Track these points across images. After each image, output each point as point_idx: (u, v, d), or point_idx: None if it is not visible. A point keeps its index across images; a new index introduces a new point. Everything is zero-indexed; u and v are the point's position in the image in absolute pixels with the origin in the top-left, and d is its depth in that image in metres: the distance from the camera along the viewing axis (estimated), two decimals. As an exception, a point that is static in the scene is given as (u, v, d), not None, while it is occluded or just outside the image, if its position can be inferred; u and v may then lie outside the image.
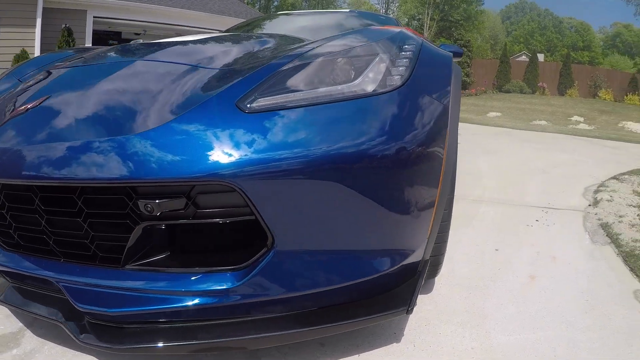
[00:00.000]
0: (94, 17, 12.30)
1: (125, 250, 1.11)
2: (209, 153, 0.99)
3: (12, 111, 1.31)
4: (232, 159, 0.98)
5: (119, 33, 15.29)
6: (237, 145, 1.00)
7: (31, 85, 1.51)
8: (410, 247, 1.19)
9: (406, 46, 1.34)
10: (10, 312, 1.47)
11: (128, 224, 1.09)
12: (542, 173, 4.37)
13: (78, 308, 1.10)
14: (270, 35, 2.17)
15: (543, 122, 12.47)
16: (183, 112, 1.10)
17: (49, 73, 1.59)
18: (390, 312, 1.12)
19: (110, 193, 1.10)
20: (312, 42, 1.46)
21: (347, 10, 3.59)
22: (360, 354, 1.27)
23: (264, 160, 0.99)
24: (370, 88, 1.15)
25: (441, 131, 1.24)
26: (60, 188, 1.12)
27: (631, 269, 2.06)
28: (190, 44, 1.87)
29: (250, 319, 1.09)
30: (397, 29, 1.51)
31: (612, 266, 2.11)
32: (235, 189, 0.99)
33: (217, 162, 0.98)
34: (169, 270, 1.10)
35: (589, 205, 3.27)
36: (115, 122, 1.14)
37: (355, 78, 1.16)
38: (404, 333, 1.40)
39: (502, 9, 55.61)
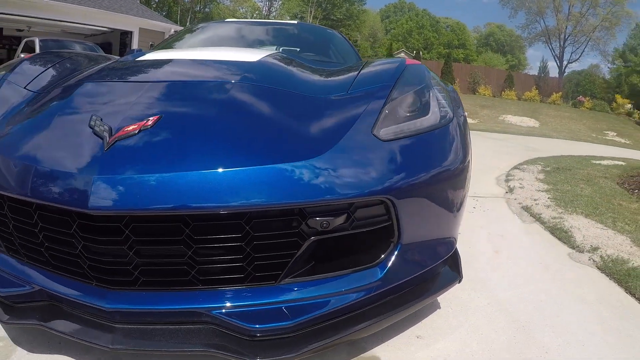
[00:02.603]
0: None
1: (289, 265, 1.19)
2: (366, 175, 1.19)
3: (107, 131, 1.20)
4: (384, 178, 1.21)
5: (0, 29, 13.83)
6: (384, 167, 1.23)
7: (89, 100, 1.46)
8: (456, 233, 1.61)
9: (434, 78, 1.68)
10: None
11: (297, 242, 1.19)
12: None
13: (252, 329, 1.13)
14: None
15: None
16: (332, 141, 1.23)
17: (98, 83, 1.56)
18: (452, 283, 1.50)
19: (281, 214, 1.17)
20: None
21: (296, 22, 3.74)
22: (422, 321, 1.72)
23: (403, 177, 1.24)
24: (439, 119, 1.45)
25: (469, 142, 1.62)
26: (223, 215, 1.12)
27: (559, 239, 2.77)
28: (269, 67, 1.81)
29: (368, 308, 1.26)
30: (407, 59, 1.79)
31: (545, 238, 2.81)
32: (385, 202, 1.22)
33: (374, 181, 1.19)
34: (324, 276, 1.23)
35: (506, 192, 4.06)
36: (269, 147, 1.20)
37: (432, 111, 1.44)
38: (438, 299, 1.88)
39: (382, 8, 58.12)
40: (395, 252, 1.28)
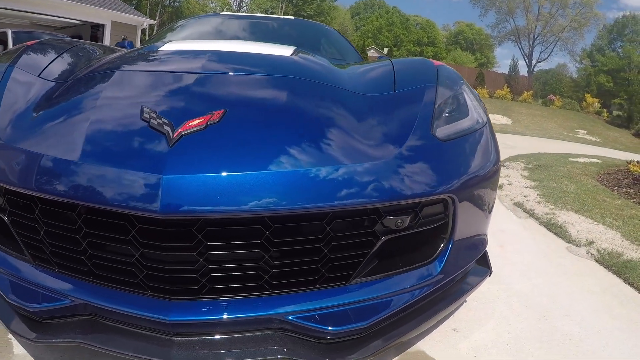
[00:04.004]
0: None
1: (362, 265, 1.20)
2: (433, 174, 1.23)
3: (168, 125, 1.12)
4: (447, 176, 1.26)
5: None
6: (445, 166, 1.28)
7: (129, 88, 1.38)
8: (487, 230, 1.65)
9: (462, 79, 1.68)
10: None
11: (371, 241, 1.19)
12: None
13: (329, 332, 1.11)
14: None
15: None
16: (400, 141, 1.25)
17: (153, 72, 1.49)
18: (485, 276, 1.59)
19: (360, 214, 1.17)
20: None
21: (292, 17, 3.64)
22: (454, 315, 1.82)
23: (461, 175, 1.30)
24: (477, 120, 1.51)
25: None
26: (305, 216, 1.10)
27: (555, 234, 2.94)
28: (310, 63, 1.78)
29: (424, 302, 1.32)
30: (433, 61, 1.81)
31: (542, 233, 2.97)
32: (446, 200, 1.27)
33: (440, 180, 1.23)
34: (389, 274, 1.25)
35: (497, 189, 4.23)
36: (344, 147, 1.19)
37: (471, 113, 1.51)
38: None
39: (352, 5, 58.10)
40: (449, 248, 1.34)
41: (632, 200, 3.92)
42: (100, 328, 1.13)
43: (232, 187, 1.02)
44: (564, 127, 16.39)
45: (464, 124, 1.46)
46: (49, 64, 1.61)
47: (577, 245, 2.70)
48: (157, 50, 1.82)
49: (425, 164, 1.25)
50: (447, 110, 1.47)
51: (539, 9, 39.21)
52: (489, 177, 1.45)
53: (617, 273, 2.30)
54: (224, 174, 1.03)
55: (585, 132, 16.05)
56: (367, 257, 1.21)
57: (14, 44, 9.67)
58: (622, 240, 2.78)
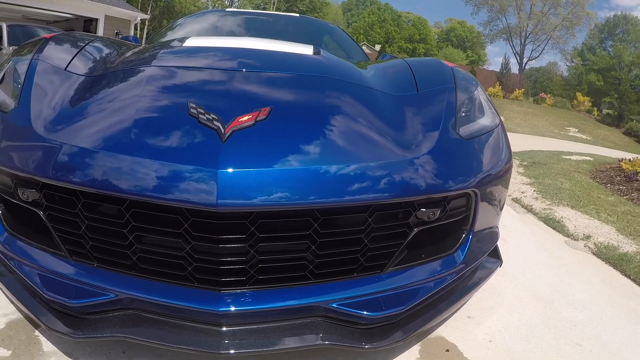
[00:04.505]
0: None
1: (396, 254, 1.29)
2: (460, 169, 1.34)
3: (218, 121, 1.16)
4: (472, 172, 1.36)
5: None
6: (470, 162, 1.38)
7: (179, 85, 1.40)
8: (499, 223, 1.74)
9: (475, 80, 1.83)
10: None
11: (406, 232, 1.29)
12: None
13: (370, 317, 1.18)
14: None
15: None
16: (431, 139, 1.34)
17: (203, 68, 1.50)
18: (496, 266, 1.69)
19: (398, 207, 1.25)
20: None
21: (297, 15, 3.62)
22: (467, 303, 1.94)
23: (483, 171, 1.40)
24: (492, 119, 1.62)
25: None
26: (350, 208, 1.17)
27: (553, 228, 3.07)
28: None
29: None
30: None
31: (541, 228, 3.09)
32: (469, 194, 1.37)
33: (466, 175, 1.34)
34: (418, 263, 1.33)
35: (495, 185, 4.36)
36: (382, 143, 1.27)
37: (486, 113, 1.62)
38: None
39: (344, 1, 57.98)
40: (470, 239, 1.45)
41: (624, 197, 4.07)
42: (143, 322, 1.13)
43: (285, 181, 1.07)
44: (555, 125, 16.64)
45: (481, 123, 1.57)
46: (74, 57, 1.59)
47: (575, 240, 2.83)
48: (183, 47, 1.83)
49: (454, 160, 1.36)
50: (466, 110, 1.56)
51: (531, 8, 39.60)
52: (504, 174, 1.55)
53: (614, 265, 2.43)
54: (277, 168, 1.09)
55: (577, 130, 16.32)
56: (401, 247, 1.29)
57: (8, 39, 9.57)
58: (617, 235, 2.91)
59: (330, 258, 1.20)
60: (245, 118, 1.18)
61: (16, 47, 2.49)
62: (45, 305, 1.20)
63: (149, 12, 29.52)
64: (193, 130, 1.15)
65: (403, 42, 46.56)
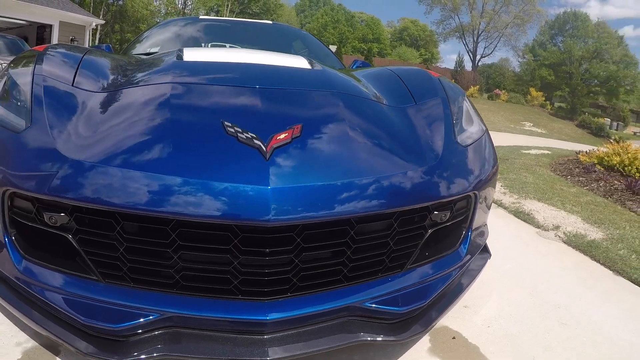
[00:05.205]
0: None
1: (415, 253, 1.41)
2: (463, 175, 1.49)
3: (257, 139, 1.20)
4: (472, 177, 1.51)
5: None
6: (469, 168, 1.53)
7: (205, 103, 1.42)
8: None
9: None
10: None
11: (422, 233, 1.41)
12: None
13: (399, 312, 1.29)
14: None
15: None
16: (437, 148, 1.47)
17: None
18: (487, 259, 1.85)
19: (417, 212, 1.37)
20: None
21: (271, 22, 3.74)
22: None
23: (480, 175, 1.55)
24: (480, 127, 1.77)
25: None
26: (379, 216, 1.27)
27: (524, 220, 3.29)
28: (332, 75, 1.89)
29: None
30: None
31: (513, 220, 3.32)
32: (470, 196, 1.52)
33: (468, 180, 1.49)
34: (431, 260, 1.47)
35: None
36: (402, 155, 1.39)
37: (475, 121, 1.78)
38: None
39: (298, 2, 58.10)
40: (469, 235, 1.61)
41: (585, 188, 4.38)
42: (183, 338, 1.14)
43: (327, 194, 1.15)
44: (511, 120, 17.38)
45: (472, 130, 1.73)
46: (76, 72, 1.52)
47: (545, 230, 3.06)
48: (184, 62, 1.77)
49: (459, 166, 1.52)
50: (457, 119, 1.71)
51: (483, 6, 41.10)
52: (493, 176, 1.72)
53: (584, 252, 2.66)
54: (319, 182, 1.16)
55: (532, 124, 17.11)
56: (418, 246, 1.42)
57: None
58: (584, 224, 3.17)
59: (362, 261, 1.30)
60: (283, 136, 1.23)
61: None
62: (76, 331, 1.17)
63: (101, 17, 28.72)
64: (234, 149, 1.18)
65: (357, 42, 47.18)
